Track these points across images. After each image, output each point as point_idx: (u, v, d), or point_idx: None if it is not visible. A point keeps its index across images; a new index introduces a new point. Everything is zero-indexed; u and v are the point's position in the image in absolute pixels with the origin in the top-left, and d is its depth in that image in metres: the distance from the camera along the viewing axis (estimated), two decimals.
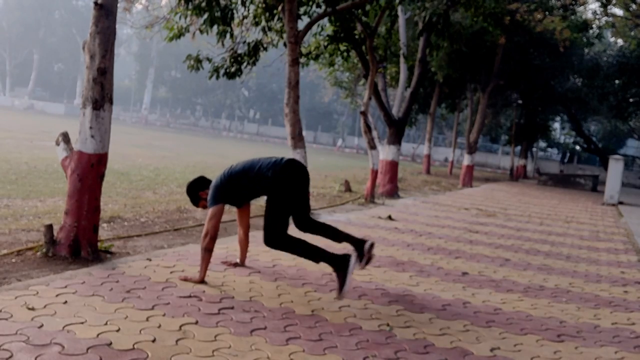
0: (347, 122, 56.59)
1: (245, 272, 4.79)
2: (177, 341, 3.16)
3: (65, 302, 3.57)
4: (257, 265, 5.04)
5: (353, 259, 4.22)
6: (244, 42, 10.19)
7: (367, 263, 4.56)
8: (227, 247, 5.64)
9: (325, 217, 8.49)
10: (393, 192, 12.78)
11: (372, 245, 4.56)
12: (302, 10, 9.85)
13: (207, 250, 4.31)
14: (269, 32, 10.10)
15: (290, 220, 4.47)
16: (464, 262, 6.19)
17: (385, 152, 13.19)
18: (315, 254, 4.31)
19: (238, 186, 4.43)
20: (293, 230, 4.45)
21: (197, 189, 4.63)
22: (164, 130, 45.03)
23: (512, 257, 6.83)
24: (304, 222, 4.52)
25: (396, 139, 13.26)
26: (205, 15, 8.37)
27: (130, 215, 7.07)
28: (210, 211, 4.37)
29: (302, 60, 11.09)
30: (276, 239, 4.30)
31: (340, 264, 4.20)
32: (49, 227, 4.70)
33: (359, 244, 4.55)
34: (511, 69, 22.48)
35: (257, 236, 5.67)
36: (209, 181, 4.62)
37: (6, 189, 8.45)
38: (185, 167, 15.14)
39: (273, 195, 4.36)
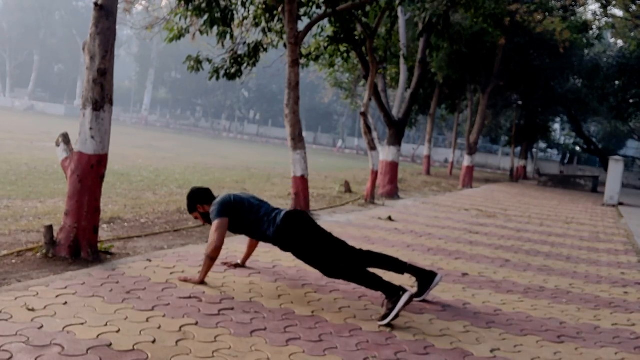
0: (347, 123, 56.61)
1: (245, 273, 4.79)
2: (177, 342, 3.15)
3: (65, 303, 3.57)
4: (257, 266, 5.04)
5: (407, 296, 3.89)
6: (244, 43, 10.19)
7: (428, 294, 4.46)
8: (227, 248, 5.63)
9: (325, 218, 8.49)
10: (393, 193, 12.78)
11: (440, 279, 4.47)
12: (302, 11, 9.85)
13: (211, 259, 4.31)
14: (269, 33, 10.11)
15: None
16: (464, 263, 6.19)
17: (385, 153, 13.19)
18: (373, 282, 4.09)
19: (243, 219, 4.40)
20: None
21: (197, 200, 4.58)
22: (164, 131, 45.04)
23: (512, 258, 6.83)
24: (356, 258, 4.36)
25: (396, 139, 13.26)
26: (206, 16, 8.37)
27: (130, 216, 7.07)
28: (215, 223, 4.33)
29: (302, 61, 11.09)
30: (330, 272, 4.22)
31: (393, 293, 3.94)
32: (49, 228, 4.70)
33: (426, 276, 4.43)
34: (511, 69, 22.49)
35: None
36: (213, 197, 4.57)
37: (6, 190, 8.45)
38: (185, 168, 15.14)
39: (292, 248, 4.35)
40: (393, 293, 3.92)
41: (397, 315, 3.83)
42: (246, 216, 4.41)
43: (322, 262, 4.24)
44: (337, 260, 4.23)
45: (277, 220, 4.33)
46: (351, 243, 6.47)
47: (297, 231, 4.31)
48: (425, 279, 4.44)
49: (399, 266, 4.44)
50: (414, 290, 4.45)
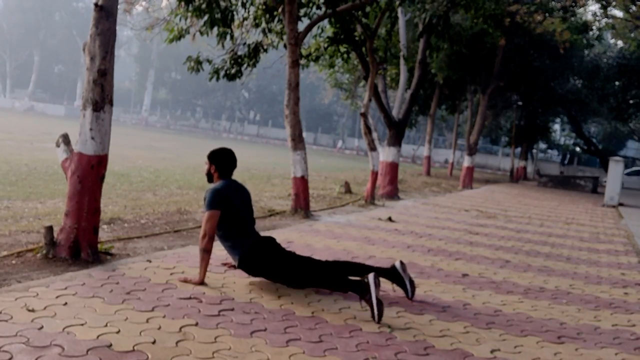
0: (347, 123, 56.64)
1: (245, 273, 4.78)
2: (177, 343, 3.15)
3: (65, 303, 3.57)
4: None
5: (372, 277, 3.94)
6: (244, 43, 10.19)
7: (412, 290, 4.46)
8: None
9: (325, 218, 8.49)
10: (393, 194, 12.78)
11: (402, 264, 4.49)
12: (302, 11, 9.85)
13: (206, 251, 4.31)
14: (269, 33, 10.11)
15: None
16: (464, 264, 6.19)
17: (385, 154, 13.19)
18: (339, 284, 4.21)
19: (227, 220, 4.44)
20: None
21: (215, 161, 4.62)
22: (164, 131, 45.04)
23: (512, 258, 6.82)
24: (317, 269, 4.45)
25: (396, 140, 13.26)
26: (206, 17, 8.37)
27: (130, 217, 7.07)
28: (207, 214, 4.36)
29: (302, 61, 11.09)
30: (299, 284, 4.37)
31: (361, 286, 3.99)
32: (49, 229, 4.70)
33: (392, 274, 4.48)
34: (511, 70, 22.50)
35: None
36: (224, 172, 4.62)
37: (6, 191, 8.45)
38: (185, 169, 15.14)
39: (258, 273, 4.49)
40: (360, 286, 4.01)
41: (380, 302, 3.87)
42: (230, 220, 4.44)
43: (286, 277, 4.38)
44: (303, 273, 4.34)
45: (244, 249, 4.42)
46: (351, 244, 6.49)
47: (259, 261, 4.43)
48: (394, 275, 4.49)
49: (367, 271, 4.41)
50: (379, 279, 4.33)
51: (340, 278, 4.25)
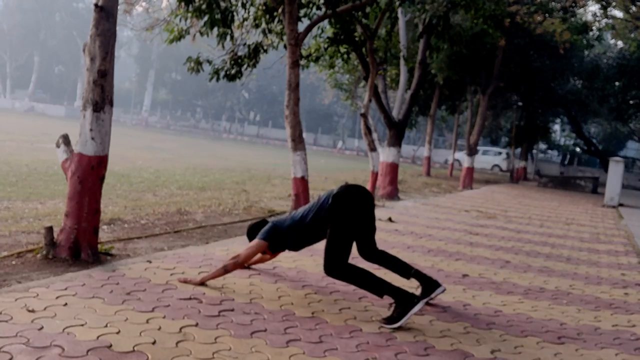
0: (347, 124, 56.67)
1: (245, 274, 4.78)
2: (177, 343, 3.15)
3: (66, 304, 3.57)
4: (258, 267, 5.03)
5: (421, 305, 3.88)
6: (244, 44, 10.20)
7: (427, 302, 4.41)
8: (227, 248, 5.64)
9: None
10: (393, 194, 12.78)
11: (443, 291, 4.42)
12: (302, 12, 9.86)
13: (226, 271, 4.32)
14: (269, 34, 10.11)
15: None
16: (464, 264, 6.19)
17: (385, 154, 13.19)
18: (379, 287, 4.00)
19: (305, 227, 4.27)
20: (357, 260, 4.29)
21: (257, 232, 4.53)
22: (164, 132, 45.04)
23: (512, 259, 6.82)
24: (370, 251, 4.32)
25: (396, 141, 13.26)
26: (206, 18, 8.38)
27: (131, 217, 7.07)
28: (254, 241, 4.35)
29: (303, 62, 11.09)
30: (337, 268, 4.05)
31: (404, 300, 3.88)
32: (49, 229, 4.70)
33: (430, 284, 4.37)
34: (511, 71, 22.49)
35: None
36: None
37: (6, 191, 8.45)
38: (185, 169, 15.14)
39: (334, 222, 4.09)
40: (406, 300, 3.87)
41: (404, 322, 3.81)
42: (288, 224, 4.36)
43: (336, 255, 4.04)
44: (345, 260, 4.06)
45: (340, 189, 4.18)
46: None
47: (354, 202, 4.13)
48: (429, 286, 4.39)
49: (406, 270, 4.40)
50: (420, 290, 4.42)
51: (385, 284, 4.02)
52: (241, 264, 4.36)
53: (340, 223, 4.08)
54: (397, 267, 4.42)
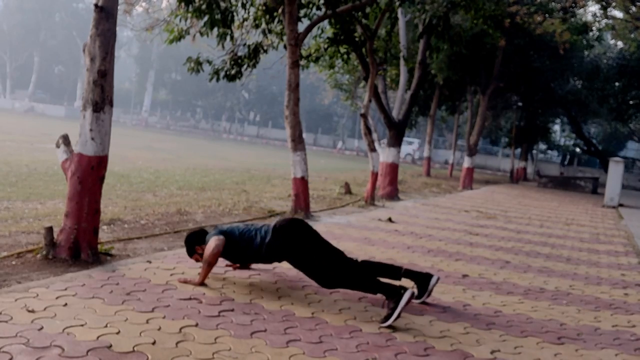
0: (347, 124, 56.63)
1: (245, 274, 4.78)
2: (177, 343, 3.15)
3: (65, 304, 3.57)
4: (258, 267, 5.03)
5: (409, 293, 3.90)
6: (244, 44, 10.19)
7: (428, 296, 4.46)
8: None
9: (325, 219, 8.49)
10: (393, 195, 12.78)
11: (437, 281, 4.47)
12: (302, 12, 9.85)
13: (210, 265, 4.32)
14: (269, 34, 10.11)
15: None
16: (464, 265, 6.19)
17: (385, 155, 13.19)
18: (371, 286, 4.11)
19: (237, 243, 4.40)
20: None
21: (195, 242, 4.58)
22: (164, 132, 45.03)
23: (512, 259, 6.82)
24: (350, 268, 4.29)
25: (396, 141, 13.26)
26: (206, 18, 8.38)
27: (131, 218, 7.07)
28: (212, 239, 4.35)
29: (302, 62, 11.09)
30: (329, 283, 4.22)
31: (394, 293, 3.94)
32: (49, 230, 4.70)
33: (423, 278, 4.44)
34: (511, 71, 22.48)
35: None
36: (198, 235, 4.61)
37: (6, 191, 8.45)
38: (185, 170, 15.14)
39: (289, 256, 4.32)
40: (394, 293, 3.93)
41: (399, 315, 3.83)
42: (239, 239, 4.42)
43: (320, 272, 4.21)
44: (335, 270, 4.19)
45: (271, 227, 4.36)
46: (351, 244, 6.49)
47: (292, 237, 4.28)
48: (423, 281, 4.45)
49: (395, 272, 4.43)
50: (415, 290, 4.44)
51: (373, 281, 4.10)
52: (217, 253, 4.30)
53: (294, 254, 4.28)
54: (385, 271, 4.44)
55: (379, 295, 4.27)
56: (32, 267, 4.42)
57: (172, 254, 5.27)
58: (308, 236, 4.32)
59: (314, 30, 10.60)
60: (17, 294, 3.67)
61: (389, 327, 3.80)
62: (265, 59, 11.17)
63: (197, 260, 4.63)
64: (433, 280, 4.44)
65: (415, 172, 26.33)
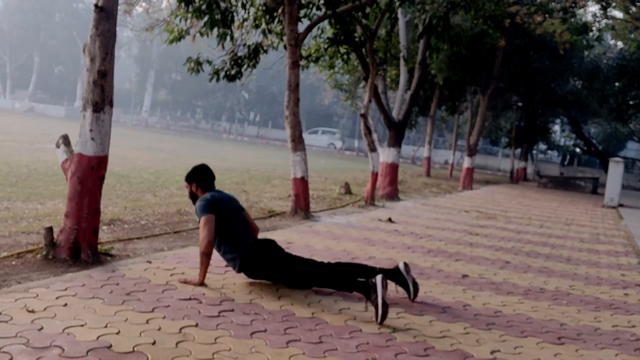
0: (347, 124, 56.62)
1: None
2: (177, 344, 3.15)
3: (65, 304, 3.57)
4: None
5: (380, 278, 3.92)
6: (244, 44, 10.19)
7: (415, 292, 4.45)
8: None
9: (325, 219, 8.49)
10: (393, 195, 12.78)
11: (406, 266, 4.46)
12: (302, 12, 9.85)
13: (206, 255, 4.30)
14: (269, 34, 10.11)
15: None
16: (464, 265, 6.19)
17: (385, 155, 13.19)
18: (345, 284, 4.26)
19: (224, 226, 4.46)
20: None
21: (197, 179, 4.65)
22: (164, 132, 45.02)
23: (512, 259, 6.82)
24: (323, 269, 4.42)
25: (396, 141, 13.27)
26: (206, 18, 8.38)
27: (131, 218, 7.07)
28: (202, 219, 4.36)
29: (302, 62, 11.09)
30: (297, 285, 4.42)
31: (367, 287, 3.98)
32: (49, 230, 4.70)
33: (395, 274, 4.44)
34: (511, 71, 22.47)
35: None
36: (208, 186, 4.63)
37: (6, 192, 8.45)
38: (185, 170, 15.09)
39: (257, 273, 4.50)
40: (367, 287, 3.99)
41: (385, 304, 3.84)
42: (224, 227, 4.45)
43: (288, 277, 4.40)
44: (302, 272, 4.36)
45: (243, 253, 4.44)
46: (351, 245, 6.49)
47: (260, 263, 4.44)
48: (397, 276, 4.46)
49: (370, 272, 4.41)
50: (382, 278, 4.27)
51: (346, 278, 4.25)
52: (211, 240, 4.31)
53: (263, 273, 4.47)
54: (361, 272, 4.44)
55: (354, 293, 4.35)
56: (32, 267, 4.42)
57: (172, 254, 5.27)
58: (271, 260, 4.46)
59: (314, 31, 10.60)
60: (17, 294, 3.67)
61: (383, 320, 3.81)
62: (265, 59, 11.17)
63: (185, 187, 4.75)
64: (401, 265, 4.45)
65: (415, 172, 26.33)
